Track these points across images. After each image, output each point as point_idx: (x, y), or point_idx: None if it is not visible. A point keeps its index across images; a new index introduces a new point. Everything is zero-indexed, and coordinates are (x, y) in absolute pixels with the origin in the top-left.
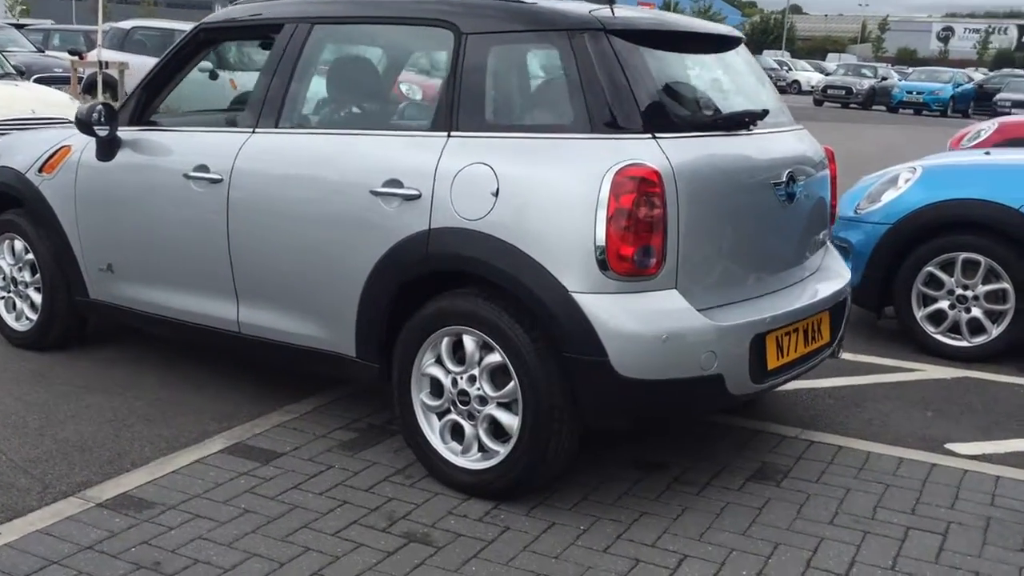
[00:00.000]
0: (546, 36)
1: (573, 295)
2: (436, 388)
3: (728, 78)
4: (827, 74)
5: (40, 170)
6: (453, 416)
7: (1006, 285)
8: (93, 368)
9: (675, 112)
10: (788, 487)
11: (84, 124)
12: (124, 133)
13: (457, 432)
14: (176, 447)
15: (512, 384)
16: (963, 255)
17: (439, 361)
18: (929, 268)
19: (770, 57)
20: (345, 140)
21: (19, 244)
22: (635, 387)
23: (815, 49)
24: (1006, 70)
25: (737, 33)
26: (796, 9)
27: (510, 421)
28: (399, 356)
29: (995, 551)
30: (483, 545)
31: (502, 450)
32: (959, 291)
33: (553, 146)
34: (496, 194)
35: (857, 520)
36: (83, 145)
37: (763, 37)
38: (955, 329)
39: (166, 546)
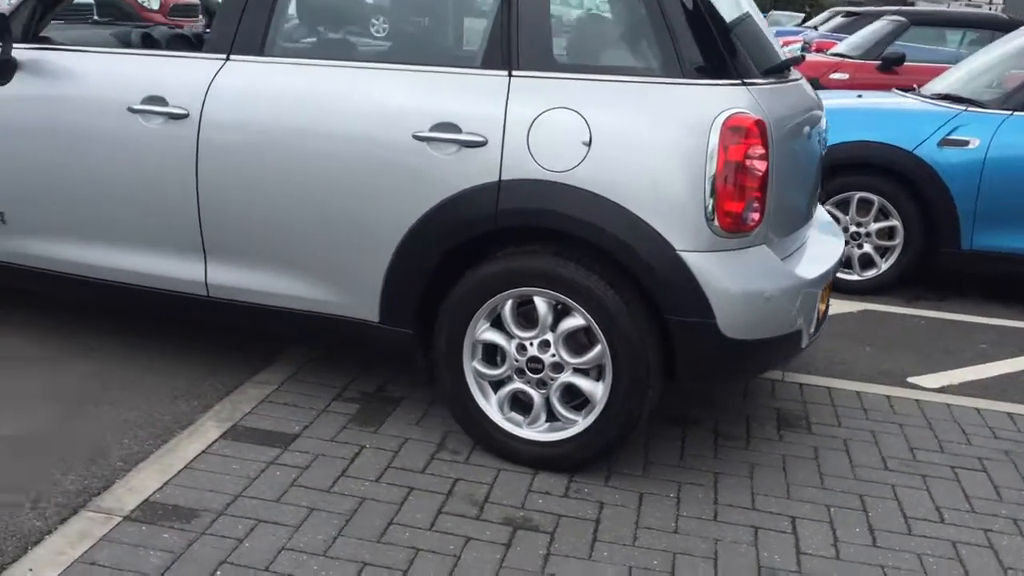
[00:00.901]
0: None
1: (680, 254)
2: (490, 355)
3: (756, 19)
4: None
5: None
6: (517, 385)
7: (895, 223)
8: None
9: (750, 57)
10: (820, 433)
11: None
12: (21, 52)
13: (517, 402)
14: (161, 435)
15: (598, 349)
16: (859, 194)
17: (498, 325)
18: (827, 207)
19: None
20: (368, 75)
21: None
22: (738, 348)
23: None
24: None
25: None
26: None
27: (592, 388)
28: (448, 321)
29: None
30: (592, 526)
31: (581, 419)
32: (853, 228)
33: (646, 91)
34: (589, 144)
35: (906, 464)
36: None
37: None
38: (847, 264)
39: (254, 564)
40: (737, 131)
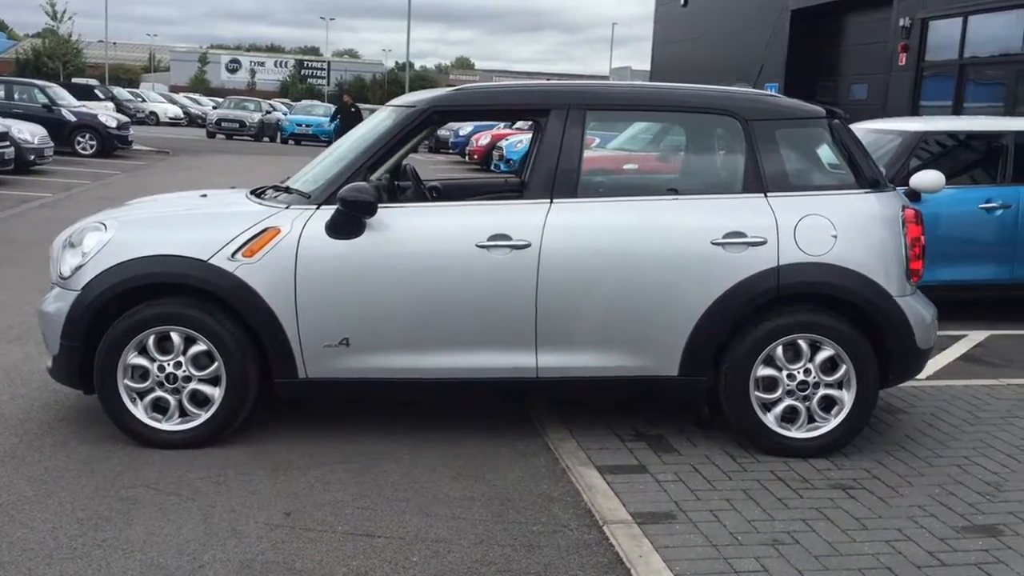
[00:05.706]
0: (812, 122)
1: (895, 299)
2: (765, 385)
3: None
4: (183, 106)
5: (233, 255)
6: (788, 402)
7: None
8: (334, 443)
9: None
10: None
11: (370, 205)
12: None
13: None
14: (556, 479)
15: (844, 368)
16: None
17: (771, 364)
18: None
19: (104, 89)
20: (662, 205)
21: (176, 337)
22: (923, 355)
23: (103, 76)
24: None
25: None
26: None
27: (840, 395)
28: (734, 366)
29: None
30: (877, 482)
31: (832, 419)
32: None
33: (853, 200)
34: (835, 236)
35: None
36: (292, 225)
37: (50, 62)
38: None
39: (742, 531)
40: (912, 219)
